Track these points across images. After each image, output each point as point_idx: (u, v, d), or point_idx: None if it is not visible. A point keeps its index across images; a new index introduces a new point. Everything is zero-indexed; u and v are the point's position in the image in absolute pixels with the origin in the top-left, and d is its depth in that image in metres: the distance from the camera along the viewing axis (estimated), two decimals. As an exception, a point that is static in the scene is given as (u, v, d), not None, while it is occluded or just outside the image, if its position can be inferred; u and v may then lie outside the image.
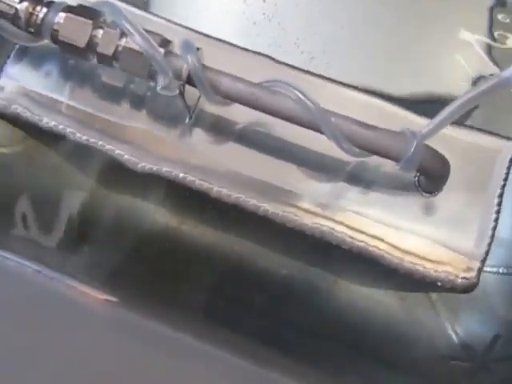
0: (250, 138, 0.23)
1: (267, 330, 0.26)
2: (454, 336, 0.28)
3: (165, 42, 0.21)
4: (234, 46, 0.24)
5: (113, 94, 0.24)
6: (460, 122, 0.22)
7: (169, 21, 0.24)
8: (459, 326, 0.28)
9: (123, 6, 0.24)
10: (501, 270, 0.29)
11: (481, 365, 0.27)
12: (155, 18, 0.24)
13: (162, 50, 0.20)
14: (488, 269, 0.28)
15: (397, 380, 0.28)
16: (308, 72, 0.24)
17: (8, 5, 0.21)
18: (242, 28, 0.30)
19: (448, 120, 0.19)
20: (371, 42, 0.30)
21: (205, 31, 0.24)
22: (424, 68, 0.29)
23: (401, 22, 0.30)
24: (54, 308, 0.16)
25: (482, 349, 0.28)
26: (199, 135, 0.23)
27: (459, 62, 0.29)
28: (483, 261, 0.21)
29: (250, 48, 0.24)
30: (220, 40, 0.24)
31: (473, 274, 0.21)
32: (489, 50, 0.29)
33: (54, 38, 0.21)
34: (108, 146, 0.23)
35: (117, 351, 0.15)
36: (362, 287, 0.29)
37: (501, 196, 0.22)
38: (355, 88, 0.24)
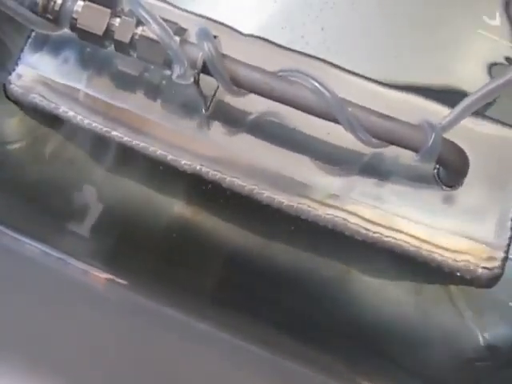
0: (265, 130, 0.23)
1: (275, 315, 0.26)
2: (480, 337, 0.27)
3: (181, 31, 0.21)
4: (251, 36, 0.24)
5: (129, 83, 0.24)
6: (481, 113, 0.22)
7: (185, 11, 0.24)
8: (482, 325, 0.27)
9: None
10: None
11: (505, 364, 0.27)
12: (171, 8, 0.24)
13: (177, 38, 0.20)
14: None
15: (408, 375, 0.28)
16: (326, 62, 0.24)
17: (26, -8, 0.21)
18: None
19: (467, 112, 0.18)
20: (390, 32, 0.29)
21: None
22: (444, 58, 0.28)
23: (420, 11, 0.29)
24: (70, 290, 0.16)
25: (507, 347, 0.27)
26: (215, 126, 0.23)
27: (478, 50, 0.28)
28: (507, 251, 0.21)
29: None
30: (234, 29, 0.24)
31: (495, 263, 0.21)
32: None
33: (72, 26, 0.21)
34: (126, 138, 0.23)
35: (125, 331, 0.15)
36: (376, 281, 0.29)
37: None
38: (374, 80, 0.23)
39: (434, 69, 0.28)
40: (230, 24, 0.24)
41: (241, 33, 0.24)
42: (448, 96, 0.26)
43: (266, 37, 0.24)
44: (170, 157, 0.23)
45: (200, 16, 0.24)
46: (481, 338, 0.27)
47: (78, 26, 0.20)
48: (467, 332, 0.27)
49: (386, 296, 0.28)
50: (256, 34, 0.24)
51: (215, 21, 0.24)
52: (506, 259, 0.21)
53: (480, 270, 0.21)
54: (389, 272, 0.28)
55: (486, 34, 0.29)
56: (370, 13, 0.29)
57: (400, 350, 0.27)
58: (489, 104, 0.22)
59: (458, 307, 0.27)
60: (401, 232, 0.22)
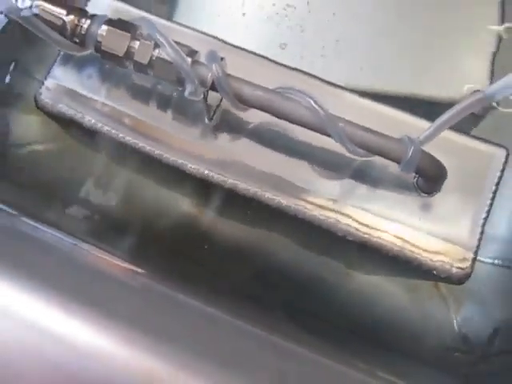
0: (266, 137, 0.26)
1: (284, 306, 0.29)
2: (457, 328, 0.30)
3: (192, 52, 0.23)
4: (254, 53, 0.27)
5: (143, 95, 0.26)
6: (457, 127, 0.24)
7: (197, 31, 0.27)
8: (462, 319, 0.30)
9: (155, 18, 0.27)
10: (496, 262, 0.31)
11: (481, 357, 0.30)
12: (182, 28, 0.27)
13: (189, 60, 0.23)
14: (488, 260, 0.30)
15: (402, 364, 0.30)
16: (320, 79, 0.26)
17: (56, 17, 0.24)
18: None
19: (443, 128, 0.21)
20: (392, 44, 0.32)
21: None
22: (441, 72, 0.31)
23: (422, 28, 0.32)
24: (92, 277, 0.19)
25: (482, 342, 0.30)
26: (219, 134, 0.26)
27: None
28: (476, 252, 0.24)
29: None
30: (238, 47, 0.27)
31: (467, 263, 0.24)
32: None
33: (97, 48, 0.23)
34: (141, 144, 0.26)
35: (141, 313, 0.17)
36: (372, 278, 0.31)
37: (493, 196, 0.24)
38: (366, 95, 0.26)
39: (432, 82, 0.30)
40: (233, 42, 0.27)
41: (246, 50, 0.27)
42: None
43: (267, 54, 0.27)
44: (179, 162, 0.26)
45: (210, 36, 0.27)
46: (456, 329, 0.30)
47: (101, 48, 0.23)
48: (450, 325, 0.30)
49: (383, 292, 0.30)
50: (257, 51, 0.27)
51: (222, 40, 0.27)
52: (475, 260, 0.23)
53: (454, 270, 0.24)
54: (379, 269, 0.31)
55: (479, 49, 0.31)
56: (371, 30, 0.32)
57: (394, 338, 0.30)
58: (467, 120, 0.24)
59: (447, 304, 0.30)
60: (386, 233, 0.25)
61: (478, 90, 0.19)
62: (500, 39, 0.32)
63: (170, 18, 0.31)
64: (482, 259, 0.30)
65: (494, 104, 0.29)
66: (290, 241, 0.31)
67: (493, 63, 0.32)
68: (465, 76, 0.31)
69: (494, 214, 0.31)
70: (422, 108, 0.31)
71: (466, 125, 0.30)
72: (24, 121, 0.30)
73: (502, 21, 0.32)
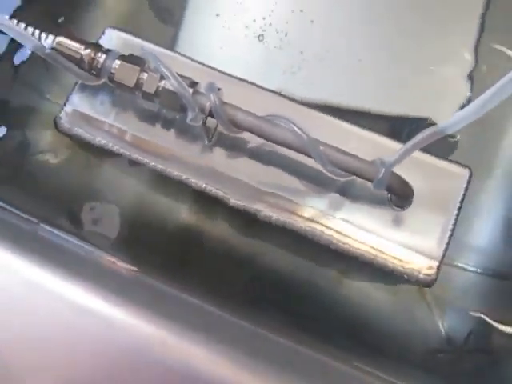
0: (258, 156, 0.29)
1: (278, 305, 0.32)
2: (442, 330, 0.33)
3: (193, 83, 0.27)
4: (246, 81, 0.30)
5: (149, 118, 0.30)
6: (427, 148, 0.27)
7: (199, 62, 0.30)
8: (445, 322, 0.33)
9: (160, 49, 0.30)
10: (478, 270, 0.34)
11: (458, 356, 0.32)
12: (184, 59, 0.30)
13: (190, 90, 0.26)
14: (471, 268, 0.33)
15: (389, 363, 0.33)
16: (306, 104, 0.30)
17: (75, 51, 0.27)
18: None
19: (411, 151, 0.24)
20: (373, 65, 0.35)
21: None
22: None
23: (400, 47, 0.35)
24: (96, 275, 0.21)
25: (464, 343, 0.33)
26: (217, 152, 0.29)
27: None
28: (441, 261, 0.27)
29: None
30: (232, 76, 0.30)
31: (432, 271, 0.27)
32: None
33: (110, 79, 0.27)
34: (146, 160, 0.29)
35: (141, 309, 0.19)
36: (360, 284, 0.34)
37: (458, 212, 0.27)
38: (345, 120, 0.29)
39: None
40: (229, 71, 0.30)
41: (240, 79, 0.30)
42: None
43: (261, 81, 0.30)
44: (180, 176, 0.29)
45: (210, 67, 0.30)
46: (442, 330, 0.32)
47: (114, 79, 0.27)
48: (435, 327, 0.33)
49: (370, 297, 0.33)
50: (250, 79, 0.30)
51: (220, 71, 0.30)
52: (440, 267, 0.27)
53: (422, 276, 0.27)
54: (362, 275, 0.34)
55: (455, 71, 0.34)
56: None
57: (379, 339, 0.32)
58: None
59: (430, 307, 0.33)
60: (364, 243, 0.28)
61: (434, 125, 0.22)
62: (477, 60, 0.35)
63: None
64: (465, 267, 0.33)
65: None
66: (284, 249, 0.34)
67: (472, 79, 0.34)
68: (445, 94, 0.34)
69: (477, 226, 0.34)
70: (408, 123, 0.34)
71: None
72: (39, 135, 0.33)
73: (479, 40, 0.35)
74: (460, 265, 0.34)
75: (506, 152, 0.34)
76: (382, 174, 0.25)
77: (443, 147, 0.33)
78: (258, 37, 0.35)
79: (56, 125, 0.30)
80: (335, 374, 0.24)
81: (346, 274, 0.34)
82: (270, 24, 0.35)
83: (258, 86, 0.30)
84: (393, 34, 0.35)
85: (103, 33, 0.31)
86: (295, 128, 0.25)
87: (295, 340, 0.25)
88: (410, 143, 0.23)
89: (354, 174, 0.26)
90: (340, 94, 0.34)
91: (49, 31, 0.27)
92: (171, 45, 0.35)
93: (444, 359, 0.33)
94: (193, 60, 0.30)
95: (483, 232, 0.34)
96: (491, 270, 0.34)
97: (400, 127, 0.34)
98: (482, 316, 0.33)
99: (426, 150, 0.27)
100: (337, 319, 0.33)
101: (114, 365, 0.16)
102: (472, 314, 0.33)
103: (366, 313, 0.33)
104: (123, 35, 0.31)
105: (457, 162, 0.28)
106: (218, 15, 0.35)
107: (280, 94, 0.30)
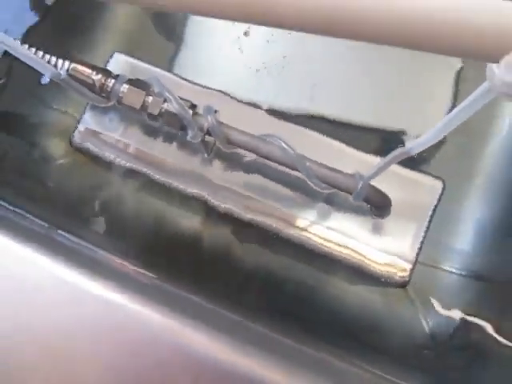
0: (252, 169, 0.32)
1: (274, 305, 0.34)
2: (426, 328, 0.35)
3: (193, 106, 0.30)
4: (241, 102, 0.33)
5: (153, 134, 0.33)
6: (403, 162, 0.30)
7: (199, 85, 0.34)
8: (430, 320, 0.36)
9: (164, 73, 0.33)
10: (463, 273, 0.37)
11: (442, 352, 0.35)
12: (186, 83, 0.34)
13: (190, 112, 0.29)
14: (454, 270, 0.36)
15: (376, 361, 0.36)
16: (295, 123, 0.33)
17: (87, 76, 0.30)
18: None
19: (382, 169, 0.27)
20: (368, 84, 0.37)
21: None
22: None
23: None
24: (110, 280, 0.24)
25: (447, 340, 0.35)
26: (215, 165, 0.33)
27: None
28: (414, 264, 0.30)
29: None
30: (225, 93, 0.33)
31: (406, 273, 0.30)
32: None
33: (119, 101, 0.30)
34: (150, 172, 0.33)
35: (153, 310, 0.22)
36: (349, 285, 0.37)
37: (430, 220, 0.30)
38: (329, 137, 0.32)
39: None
40: (228, 91, 0.33)
41: (236, 99, 0.33)
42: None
43: (256, 100, 0.33)
44: (180, 187, 0.32)
45: (209, 88, 0.33)
46: (427, 328, 0.35)
47: (122, 102, 0.30)
48: (419, 325, 0.36)
49: (359, 297, 0.36)
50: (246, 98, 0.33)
51: (217, 90, 0.33)
52: (413, 269, 0.30)
53: (397, 277, 0.30)
54: (347, 276, 0.37)
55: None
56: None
57: (368, 337, 0.35)
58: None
59: (415, 307, 0.36)
60: (346, 247, 0.31)
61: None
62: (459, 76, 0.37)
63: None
64: (449, 269, 0.36)
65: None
66: (279, 254, 0.37)
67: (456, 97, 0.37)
68: (426, 110, 0.37)
69: (461, 231, 0.37)
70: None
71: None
72: (52, 143, 0.36)
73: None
74: (444, 267, 0.36)
75: (488, 160, 0.37)
76: (360, 187, 0.28)
77: (428, 155, 0.36)
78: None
79: (70, 141, 0.33)
80: (325, 364, 0.27)
81: (334, 275, 0.37)
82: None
83: (252, 105, 0.33)
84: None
85: (111, 57, 0.34)
86: (284, 145, 0.29)
87: (286, 335, 0.28)
88: (383, 161, 0.26)
89: (335, 187, 0.29)
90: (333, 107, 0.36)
91: (58, 55, 0.30)
92: (172, 63, 0.38)
93: (429, 355, 0.36)
94: (193, 83, 0.34)
95: (466, 237, 0.37)
96: (473, 273, 0.37)
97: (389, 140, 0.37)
98: (464, 315, 0.36)
99: (404, 163, 0.30)
100: (328, 316, 0.35)
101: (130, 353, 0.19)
102: (455, 312, 0.36)
103: (358, 312, 0.36)
104: (129, 59, 0.34)
105: (431, 175, 0.31)
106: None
107: (271, 113, 0.33)
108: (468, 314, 0.35)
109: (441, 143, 0.37)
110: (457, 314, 0.35)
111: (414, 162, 0.33)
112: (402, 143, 0.33)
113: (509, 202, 0.35)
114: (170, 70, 0.35)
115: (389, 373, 0.30)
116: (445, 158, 0.36)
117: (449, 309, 0.36)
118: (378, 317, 0.36)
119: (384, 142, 0.37)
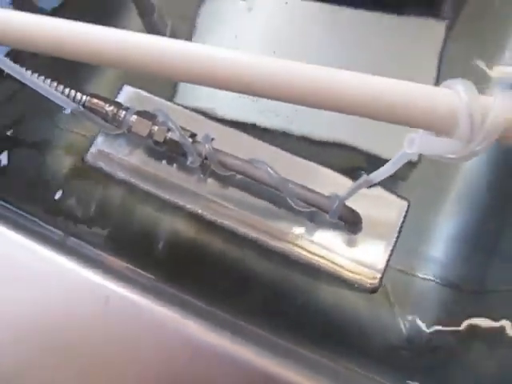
0: (243, 188, 0.37)
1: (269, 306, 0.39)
2: (403, 330, 0.39)
3: (192, 135, 0.35)
4: (235, 130, 0.38)
5: (155, 155, 0.38)
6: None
7: (200, 114, 0.38)
8: (407, 323, 0.39)
9: (167, 103, 0.38)
10: (437, 280, 0.41)
11: (417, 353, 0.39)
12: (188, 111, 0.38)
13: (190, 140, 0.34)
14: (430, 277, 0.40)
15: (359, 361, 0.39)
16: (278, 147, 0.38)
17: (101, 107, 0.35)
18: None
19: (354, 192, 0.31)
20: None
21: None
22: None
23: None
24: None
25: (423, 341, 0.39)
26: (210, 184, 0.37)
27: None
28: (383, 273, 0.34)
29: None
30: (224, 125, 0.38)
31: (376, 281, 0.34)
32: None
33: (129, 130, 0.35)
34: (153, 190, 0.37)
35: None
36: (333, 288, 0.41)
37: (398, 235, 0.35)
38: (310, 159, 0.37)
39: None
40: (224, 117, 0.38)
41: (229, 128, 0.38)
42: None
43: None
44: (179, 203, 0.37)
45: (207, 117, 0.38)
46: (404, 331, 0.39)
47: (132, 130, 0.35)
48: (397, 327, 0.40)
49: (343, 300, 0.39)
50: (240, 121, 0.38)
51: (214, 120, 0.38)
52: (382, 278, 0.34)
53: (368, 285, 0.34)
54: (327, 282, 0.41)
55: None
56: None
57: (354, 337, 0.38)
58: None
59: (394, 311, 0.40)
60: (324, 258, 0.36)
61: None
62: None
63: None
64: (425, 277, 0.40)
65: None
66: (268, 260, 0.41)
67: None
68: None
69: (437, 241, 0.41)
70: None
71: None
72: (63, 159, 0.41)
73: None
74: (421, 275, 0.41)
75: (460, 175, 0.41)
76: (335, 207, 0.33)
77: (405, 172, 0.40)
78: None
79: (83, 161, 0.38)
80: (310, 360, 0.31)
81: (317, 280, 0.41)
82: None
83: (243, 132, 0.38)
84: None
85: (121, 89, 0.39)
86: (269, 170, 0.33)
87: (273, 333, 0.32)
88: (353, 185, 0.31)
89: (313, 206, 0.33)
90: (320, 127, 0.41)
91: (71, 86, 0.34)
92: (174, 92, 0.43)
93: (405, 356, 0.40)
94: (196, 112, 0.39)
95: (442, 247, 0.40)
96: (447, 281, 0.41)
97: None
98: (438, 319, 0.39)
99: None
100: (313, 318, 0.39)
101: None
102: (430, 316, 0.40)
103: (341, 315, 0.40)
104: (137, 91, 0.39)
105: (398, 195, 0.36)
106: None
107: (259, 139, 0.38)
108: (441, 318, 0.39)
109: (416, 161, 0.42)
110: (432, 318, 0.39)
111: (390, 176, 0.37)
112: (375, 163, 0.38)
113: (477, 214, 0.39)
114: (171, 98, 0.40)
115: (370, 371, 0.34)
116: (420, 173, 0.40)
117: (424, 313, 0.40)
118: (361, 319, 0.39)
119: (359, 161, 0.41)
